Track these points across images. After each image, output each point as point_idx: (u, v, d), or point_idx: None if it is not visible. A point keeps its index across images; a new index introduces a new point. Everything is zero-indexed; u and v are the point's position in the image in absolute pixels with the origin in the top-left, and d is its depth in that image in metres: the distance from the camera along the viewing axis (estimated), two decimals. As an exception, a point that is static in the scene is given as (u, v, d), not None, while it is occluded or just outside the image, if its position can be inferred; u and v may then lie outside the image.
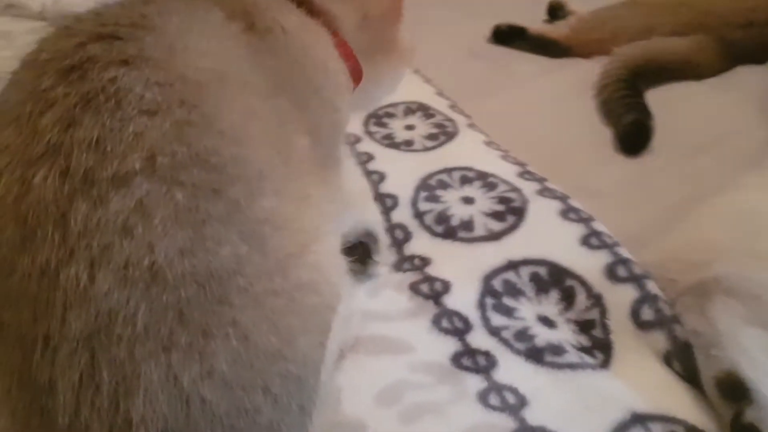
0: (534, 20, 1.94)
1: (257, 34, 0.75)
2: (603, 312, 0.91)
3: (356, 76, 0.93)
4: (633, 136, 1.36)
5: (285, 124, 0.73)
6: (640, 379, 0.84)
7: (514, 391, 0.81)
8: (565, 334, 0.91)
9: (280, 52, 0.77)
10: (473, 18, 1.91)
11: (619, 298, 0.92)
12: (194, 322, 0.54)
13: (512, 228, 1.03)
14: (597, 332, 0.91)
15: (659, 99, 1.45)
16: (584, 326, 0.92)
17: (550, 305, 0.94)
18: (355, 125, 1.30)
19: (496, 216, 1.05)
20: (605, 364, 0.87)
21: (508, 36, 1.81)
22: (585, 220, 1.03)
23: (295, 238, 0.67)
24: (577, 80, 1.58)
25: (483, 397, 0.80)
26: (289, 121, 0.75)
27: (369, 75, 0.95)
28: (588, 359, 0.87)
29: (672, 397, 0.81)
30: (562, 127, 1.45)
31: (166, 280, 0.53)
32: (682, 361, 0.85)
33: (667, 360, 0.86)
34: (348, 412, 0.77)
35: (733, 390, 0.77)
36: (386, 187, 1.13)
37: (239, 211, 0.60)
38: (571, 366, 0.85)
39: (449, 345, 0.87)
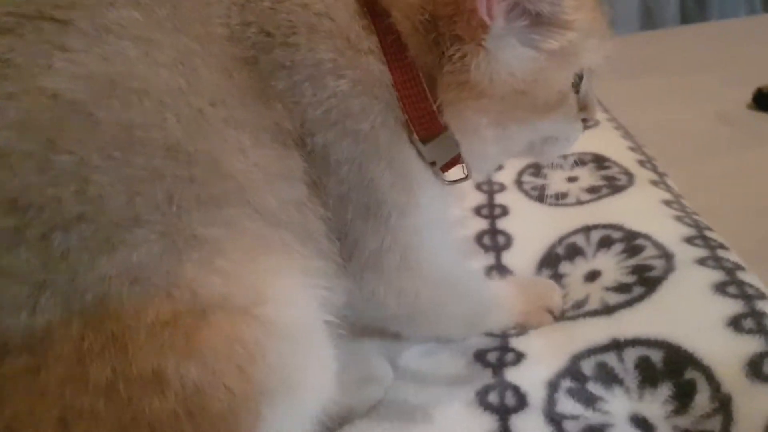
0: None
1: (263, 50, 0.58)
2: (727, 423, 0.62)
3: (427, 124, 0.64)
4: None
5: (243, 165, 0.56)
6: None
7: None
8: None
9: (283, 88, 0.59)
10: (737, 84, 1.61)
11: (757, 405, 0.62)
12: None
13: (635, 300, 0.78)
14: None
15: None
16: None
17: (656, 404, 0.68)
18: (506, 174, 1.13)
19: (619, 289, 0.81)
20: None
21: (771, 99, 1.48)
22: (750, 297, 0.73)
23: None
24: None
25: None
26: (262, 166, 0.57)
27: (454, 126, 0.65)
28: (681, 487, 0.59)
29: None
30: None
31: None
32: None
33: None
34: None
35: None
36: (507, 258, 0.94)
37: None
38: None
39: (481, 424, 0.67)
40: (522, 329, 0.81)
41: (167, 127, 0.52)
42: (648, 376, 0.69)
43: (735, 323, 0.70)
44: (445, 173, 0.69)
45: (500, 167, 1.15)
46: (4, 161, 0.47)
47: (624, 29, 2.90)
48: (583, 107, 0.70)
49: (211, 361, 0.50)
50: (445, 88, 0.63)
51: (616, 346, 0.73)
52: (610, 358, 0.72)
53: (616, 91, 1.60)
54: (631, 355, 0.71)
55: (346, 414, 0.69)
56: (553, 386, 0.70)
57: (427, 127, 0.64)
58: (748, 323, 0.70)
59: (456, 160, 0.69)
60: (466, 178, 0.71)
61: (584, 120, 0.72)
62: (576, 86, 0.68)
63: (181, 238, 0.51)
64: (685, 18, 2.91)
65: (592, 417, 0.67)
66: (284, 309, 0.55)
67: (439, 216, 0.70)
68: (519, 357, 0.75)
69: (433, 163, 0.66)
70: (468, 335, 0.80)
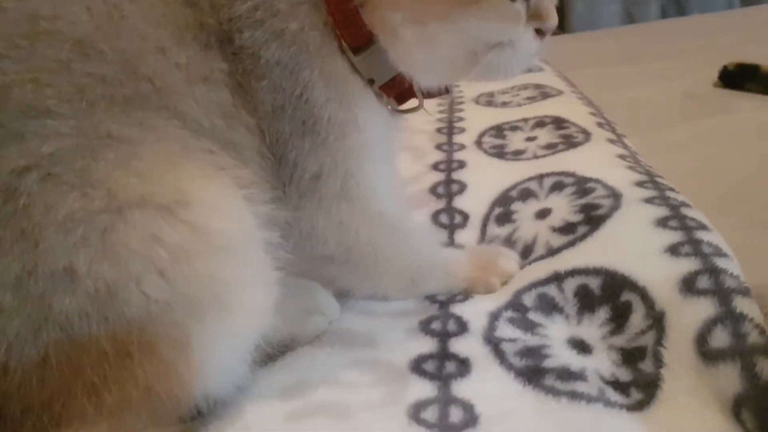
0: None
1: None
2: (660, 337, 0.63)
3: (352, 28, 0.62)
4: None
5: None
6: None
7: (467, 408, 0.59)
8: (598, 363, 0.65)
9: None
10: (706, 68, 1.63)
11: (688, 317, 0.63)
12: None
13: (578, 239, 0.79)
14: (645, 365, 0.63)
15: None
16: (630, 356, 0.65)
17: (593, 327, 0.69)
18: (467, 136, 1.14)
19: (565, 230, 0.82)
20: (639, 406, 0.59)
21: (737, 77, 1.50)
22: (690, 228, 0.74)
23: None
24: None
25: (415, 409, 0.59)
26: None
27: (377, 30, 0.62)
28: (613, 396, 0.60)
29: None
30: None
31: None
32: (758, 412, 0.54)
33: (736, 408, 0.55)
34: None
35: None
36: (460, 202, 0.96)
37: None
38: (577, 396, 0.59)
39: (421, 346, 0.68)
40: (467, 294, 0.77)
41: (76, 20, 0.52)
42: (586, 302, 0.71)
43: (672, 249, 0.71)
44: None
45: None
46: None
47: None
48: (535, 14, 0.62)
49: (126, 261, 0.49)
50: None
51: (557, 278, 0.74)
52: (551, 289, 0.73)
53: (590, 77, 1.63)
54: (571, 284, 0.73)
55: (289, 342, 0.69)
56: (494, 316, 0.71)
57: (352, 32, 0.61)
58: (686, 249, 0.70)
59: (405, 89, 0.67)
60: (418, 107, 0.69)
61: (539, 31, 0.63)
62: None
63: (95, 134, 0.51)
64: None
65: (530, 340, 0.68)
66: (213, 215, 0.54)
67: (381, 144, 0.68)
68: (467, 296, 0.76)
69: (371, 82, 0.65)
70: (407, 296, 0.76)
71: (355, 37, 0.61)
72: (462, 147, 1.11)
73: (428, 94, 0.69)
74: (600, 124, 1.14)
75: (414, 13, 0.60)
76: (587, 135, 1.07)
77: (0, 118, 0.49)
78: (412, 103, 0.69)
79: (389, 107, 0.68)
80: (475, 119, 1.22)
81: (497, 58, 0.62)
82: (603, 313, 0.69)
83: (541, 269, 0.76)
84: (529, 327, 0.69)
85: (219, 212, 0.55)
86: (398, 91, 0.66)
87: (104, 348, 0.49)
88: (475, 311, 0.72)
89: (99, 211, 0.49)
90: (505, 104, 1.30)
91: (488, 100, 1.33)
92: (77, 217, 0.49)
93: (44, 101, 0.50)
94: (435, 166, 1.05)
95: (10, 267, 0.48)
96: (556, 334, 0.69)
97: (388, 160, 0.72)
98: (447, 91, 0.70)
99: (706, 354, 0.59)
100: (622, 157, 0.99)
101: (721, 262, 0.67)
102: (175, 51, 0.56)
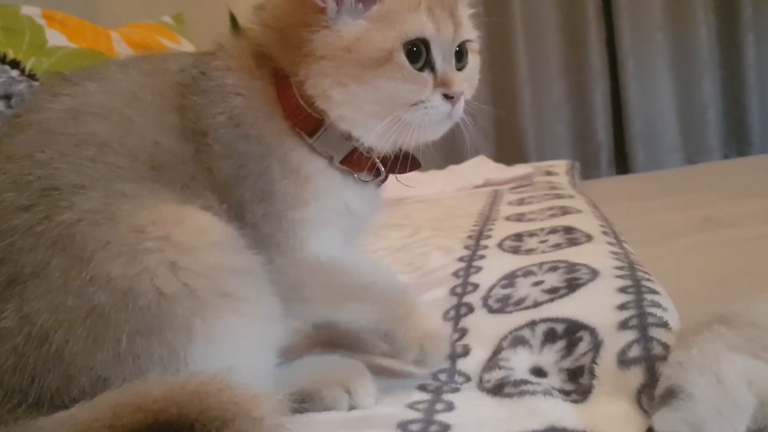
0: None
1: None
2: (595, 356, 0.85)
3: (301, 116, 0.82)
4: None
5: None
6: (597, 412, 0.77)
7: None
8: (551, 382, 0.86)
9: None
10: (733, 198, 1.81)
11: (617, 341, 0.85)
12: None
13: (557, 297, 1.01)
14: (584, 379, 0.84)
15: None
16: (574, 374, 0.86)
17: (551, 354, 0.90)
18: (492, 242, 1.39)
19: (550, 291, 1.04)
20: (575, 402, 0.81)
21: None
22: (641, 293, 0.96)
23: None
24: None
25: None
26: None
27: (315, 96, 0.81)
28: (556, 393, 0.82)
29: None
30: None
31: None
32: (651, 395, 0.74)
33: (638, 395, 0.77)
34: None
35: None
36: (474, 278, 1.20)
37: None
38: (526, 392, 0.82)
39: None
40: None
41: (99, 131, 0.79)
42: (549, 338, 0.92)
43: (622, 306, 0.92)
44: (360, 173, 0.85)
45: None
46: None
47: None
48: (442, 82, 0.81)
49: (144, 259, 0.71)
50: (301, 67, 0.80)
51: (532, 323, 0.95)
52: (525, 332, 0.94)
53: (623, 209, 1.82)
54: (542, 328, 0.94)
55: (305, 399, 0.82)
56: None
57: (303, 121, 0.81)
58: (631, 305, 0.92)
59: (361, 158, 0.83)
60: (379, 174, 0.86)
61: (446, 96, 0.81)
62: (417, 56, 0.80)
63: (114, 195, 0.76)
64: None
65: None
66: (204, 220, 0.77)
67: (335, 215, 0.85)
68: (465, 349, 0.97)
69: (331, 159, 0.83)
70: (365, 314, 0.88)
71: (306, 124, 0.82)
72: (485, 247, 1.36)
73: (402, 169, 0.87)
74: (605, 233, 1.36)
75: (337, 76, 0.79)
76: (590, 237, 1.31)
77: (58, 192, 0.74)
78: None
79: (358, 178, 0.86)
80: (500, 230, 1.48)
81: (413, 115, 0.80)
82: (561, 344, 0.90)
83: (522, 317, 0.98)
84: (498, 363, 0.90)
85: (210, 220, 0.78)
86: (360, 163, 0.84)
87: (123, 327, 0.70)
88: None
89: (125, 234, 0.72)
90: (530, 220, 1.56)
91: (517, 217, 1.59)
92: (112, 239, 0.72)
93: (82, 181, 0.75)
94: (460, 259, 1.30)
95: (75, 277, 0.71)
96: (520, 366, 0.89)
97: (343, 227, 0.87)
98: (416, 164, 0.88)
99: (623, 362, 0.81)
100: (614, 253, 1.20)
101: (651, 309, 0.89)
102: (166, 142, 0.81)
